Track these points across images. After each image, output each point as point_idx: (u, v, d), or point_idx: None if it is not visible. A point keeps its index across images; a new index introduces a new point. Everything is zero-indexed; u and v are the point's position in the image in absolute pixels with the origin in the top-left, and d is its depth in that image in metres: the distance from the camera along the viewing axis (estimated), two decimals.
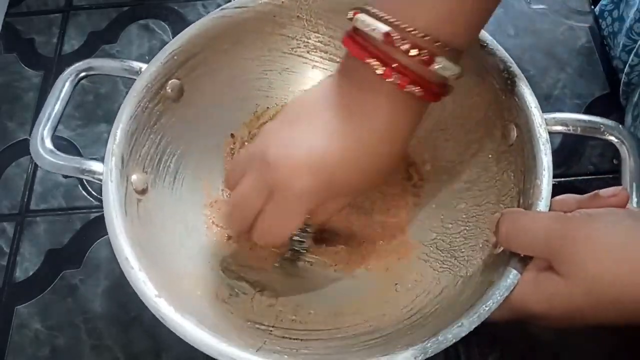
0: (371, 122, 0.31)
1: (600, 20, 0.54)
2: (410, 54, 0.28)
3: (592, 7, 0.55)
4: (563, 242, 0.29)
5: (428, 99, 0.30)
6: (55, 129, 0.38)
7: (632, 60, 0.46)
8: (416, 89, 0.29)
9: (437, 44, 0.28)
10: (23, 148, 0.51)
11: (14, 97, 0.54)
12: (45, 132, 0.38)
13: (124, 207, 0.34)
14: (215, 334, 0.30)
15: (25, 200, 0.49)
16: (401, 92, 0.29)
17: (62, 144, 0.51)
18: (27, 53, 0.56)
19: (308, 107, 0.33)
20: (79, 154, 0.50)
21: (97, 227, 0.47)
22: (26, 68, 0.56)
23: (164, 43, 0.54)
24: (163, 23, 0.57)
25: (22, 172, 0.50)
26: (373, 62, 0.29)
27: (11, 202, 0.49)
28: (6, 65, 0.56)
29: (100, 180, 0.35)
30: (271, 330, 0.35)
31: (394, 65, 0.28)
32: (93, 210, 0.48)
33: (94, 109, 0.53)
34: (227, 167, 0.41)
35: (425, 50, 0.28)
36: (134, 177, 0.36)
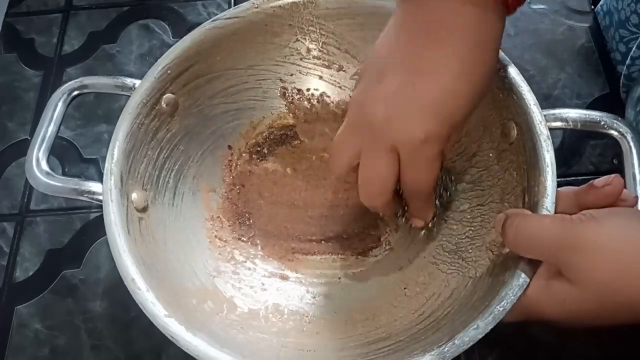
0: (464, 37, 0.29)
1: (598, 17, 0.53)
2: None
3: (592, 7, 0.55)
4: (569, 249, 0.28)
5: (514, 8, 0.30)
6: (50, 149, 0.38)
7: (634, 53, 0.46)
8: None
9: None
10: (23, 148, 0.51)
11: (14, 97, 0.54)
12: (41, 155, 0.37)
13: (126, 227, 0.34)
14: (229, 352, 0.30)
15: (25, 200, 0.49)
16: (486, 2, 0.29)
17: (62, 144, 0.51)
18: (27, 53, 0.56)
19: (386, 59, 0.31)
20: (79, 154, 0.50)
21: (97, 227, 0.47)
22: (26, 68, 0.56)
23: (164, 43, 0.55)
24: (163, 23, 0.57)
25: (22, 172, 0.50)
26: None
27: (11, 202, 0.49)
28: (6, 65, 0.56)
29: (100, 200, 0.34)
30: (283, 344, 0.35)
31: None
32: (93, 210, 0.48)
33: (94, 108, 0.53)
34: (331, 150, 0.36)
35: None
36: (134, 196, 0.36)
